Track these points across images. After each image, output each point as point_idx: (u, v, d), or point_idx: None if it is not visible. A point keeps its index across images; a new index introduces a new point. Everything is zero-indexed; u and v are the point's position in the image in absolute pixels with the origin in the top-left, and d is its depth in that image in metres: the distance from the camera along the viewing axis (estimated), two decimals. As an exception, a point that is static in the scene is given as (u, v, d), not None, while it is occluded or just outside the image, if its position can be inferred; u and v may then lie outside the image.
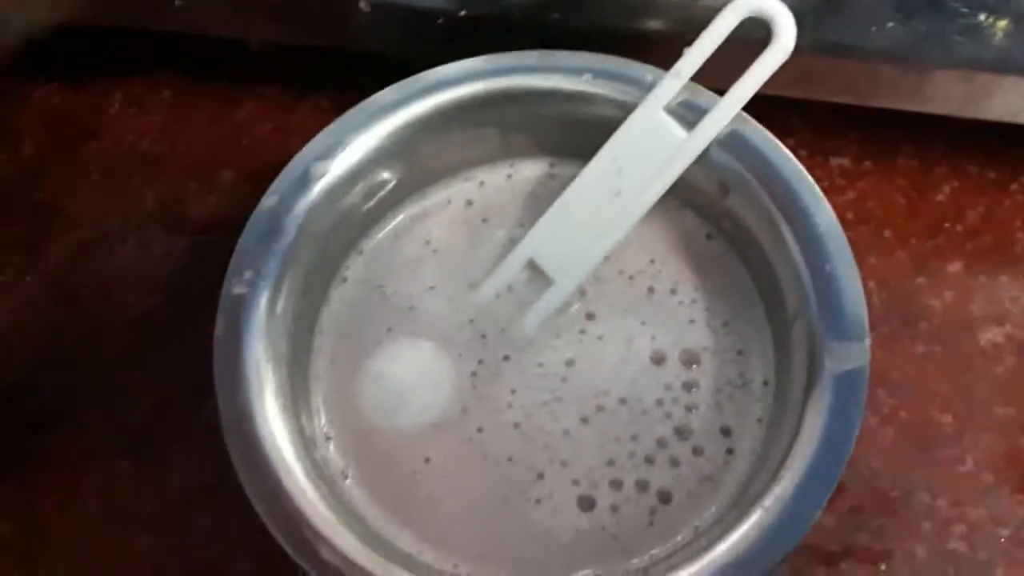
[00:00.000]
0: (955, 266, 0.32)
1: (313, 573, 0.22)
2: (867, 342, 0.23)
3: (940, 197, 0.33)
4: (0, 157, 0.37)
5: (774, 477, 0.22)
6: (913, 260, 0.32)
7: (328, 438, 0.26)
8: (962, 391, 0.31)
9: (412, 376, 0.27)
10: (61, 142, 0.37)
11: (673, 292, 0.27)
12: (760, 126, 0.26)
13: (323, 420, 0.26)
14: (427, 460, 0.25)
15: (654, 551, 0.24)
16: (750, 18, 0.25)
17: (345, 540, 0.22)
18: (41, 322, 0.34)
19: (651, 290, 0.27)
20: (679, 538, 0.24)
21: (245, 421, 0.23)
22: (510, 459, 0.25)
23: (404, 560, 0.23)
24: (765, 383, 0.26)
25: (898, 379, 0.31)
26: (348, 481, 0.25)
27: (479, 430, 0.26)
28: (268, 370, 0.23)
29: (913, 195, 0.33)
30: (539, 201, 0.28)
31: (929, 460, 0.30)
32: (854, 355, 0.23)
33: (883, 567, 0.29)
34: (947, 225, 0.33)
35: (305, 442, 0.24)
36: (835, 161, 0.34)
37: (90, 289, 0.34)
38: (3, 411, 0.33)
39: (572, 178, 0.27)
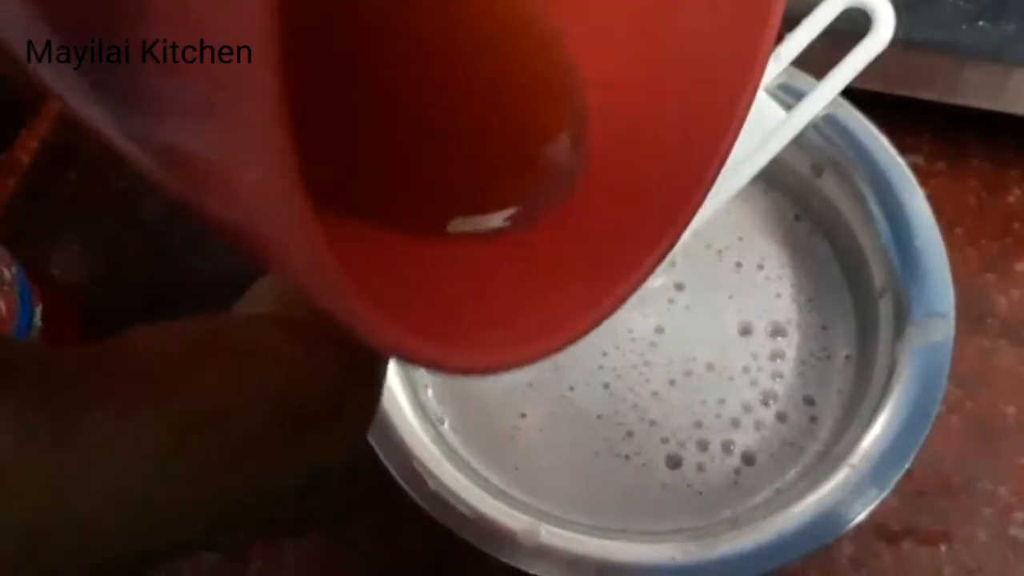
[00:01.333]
0: (1023, 265, 0.33)
1: (422, 504, 0.23)
2: (952, 316, 0.24)
3: (1010, 199, 0.34)
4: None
5: (862, 435, 0.23)
6: (982, 258, 0.33)
7: (425, 385, 0.27)
8: (1026, 384, 0.32)
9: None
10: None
11: (760, 268, 0.28)
12: (855, 110, 0.27)
13: (422, 368, 0.27)
14: (523, 415, 0.27)
15: (738, 507, 0.25)
16: (846, 10, 0.26)
17: (448, 475, 0.23)
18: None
19: (739, 265, 0.28)
20: (761, 497, 0.25)
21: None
22: (599, 417, 0.27)
23: (503, 496, 0.24)
24: (847, 357, 0.27)
25: (964, 371, 0.32)
26: (445, 426, 0.26)
27: (570, 388, 0.27)
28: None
29: (984, 196, 0.34)
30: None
31: (992, 450, 0.31)
32: (940, 328, 0.24)
33: (943, 548, 0.30)
34: (1016, 226, 0.34)
35: (411, 383, 0.25)
36: (909, 159, 0.35)
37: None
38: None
39: (666, 155, 0.28)
